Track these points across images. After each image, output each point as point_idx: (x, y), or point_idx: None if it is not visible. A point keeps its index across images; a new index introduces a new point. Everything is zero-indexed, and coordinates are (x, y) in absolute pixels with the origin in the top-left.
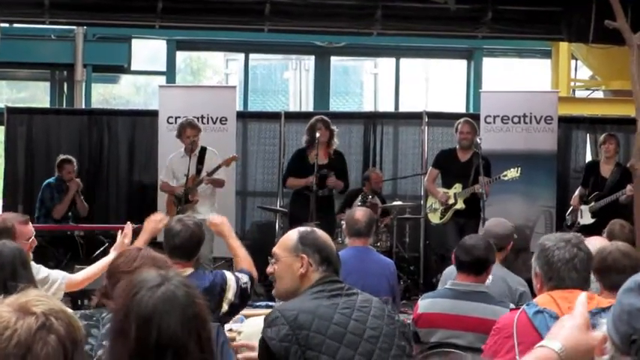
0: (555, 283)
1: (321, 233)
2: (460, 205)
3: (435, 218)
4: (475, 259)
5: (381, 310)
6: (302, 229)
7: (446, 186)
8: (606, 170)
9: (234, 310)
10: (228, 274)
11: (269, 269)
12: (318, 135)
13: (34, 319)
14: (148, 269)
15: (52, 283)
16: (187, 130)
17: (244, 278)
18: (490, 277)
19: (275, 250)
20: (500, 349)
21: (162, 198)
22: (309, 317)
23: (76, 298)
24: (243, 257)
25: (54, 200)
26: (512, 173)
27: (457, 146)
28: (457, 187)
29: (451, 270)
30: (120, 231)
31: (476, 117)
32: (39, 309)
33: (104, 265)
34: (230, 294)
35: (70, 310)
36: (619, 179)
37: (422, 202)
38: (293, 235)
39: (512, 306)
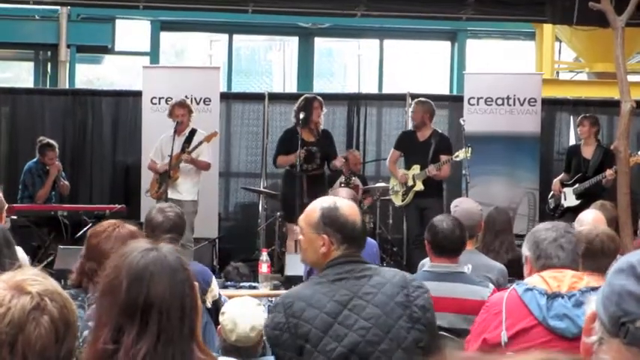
0: (544, 262)
1: (344, 209)
2: (419, 187)
3: (397, 200)
4: (453, 244)
5: (390, 296)
6: (325, 204)
7: (406, 167)
8: (588, 151)
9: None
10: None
11: (298, 237)
12: (313, 114)
13: (28, 298)
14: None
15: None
16: (176, 109)
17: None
18: (470, 266)
19: (300, 222)
20: (489, 325)
21: (146, 178)
22: (302, 305)
23: (58, 278)
24: None
25: (36, 186)
26: (463, 154)
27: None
28: (415, 169)
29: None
30: None
31: (459, 99)
32: (34, 289)
33: None
34: (216, 291)
35: (65, 292)
36: (602, 160)
37: None
38: (316, 210)
39: (491, 286)
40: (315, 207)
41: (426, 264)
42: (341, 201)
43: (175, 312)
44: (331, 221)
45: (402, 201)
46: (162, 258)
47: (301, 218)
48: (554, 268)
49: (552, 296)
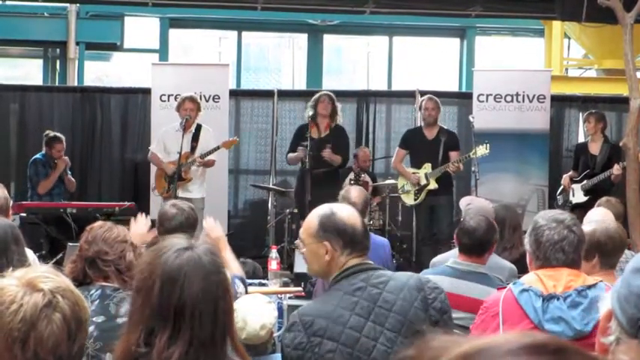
0: (541, 263)
1: (342, 214)
2: (433, 185)
3: (409, 199)
4: (477, 242)
5: (410, 301)
6: (322, 212)
7: (415, 166)
8: (595, 148)
9: None
10: (229, 274)
11: (300, 250)
12: (319, 108)
13: (40, 295)
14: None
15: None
16: (186, 103)
17: (240, 287)
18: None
19: (300, 234)
20: (487, 327)
21: (154, 175)
22: (324, 323)
23: None
24: (235, 267)
25: (39, 176)
26: (481, 150)
27: (422, 124)
28: (427, 167)
29: (439, 259)
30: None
31: (468, 95)
32: (46, 286)
33: None
34: None
35: (76, 290)
36: (609, 156)
37: None
38: (314, 219)
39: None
40: (313, 217)
41: (450, 259)
42: (337, 206)
43: (208, 316)
44: (330, 227)
45: (415, 200)
46: (197, 259)
47: (301, 231)
48: (551, 267)
49: (548, 298)
